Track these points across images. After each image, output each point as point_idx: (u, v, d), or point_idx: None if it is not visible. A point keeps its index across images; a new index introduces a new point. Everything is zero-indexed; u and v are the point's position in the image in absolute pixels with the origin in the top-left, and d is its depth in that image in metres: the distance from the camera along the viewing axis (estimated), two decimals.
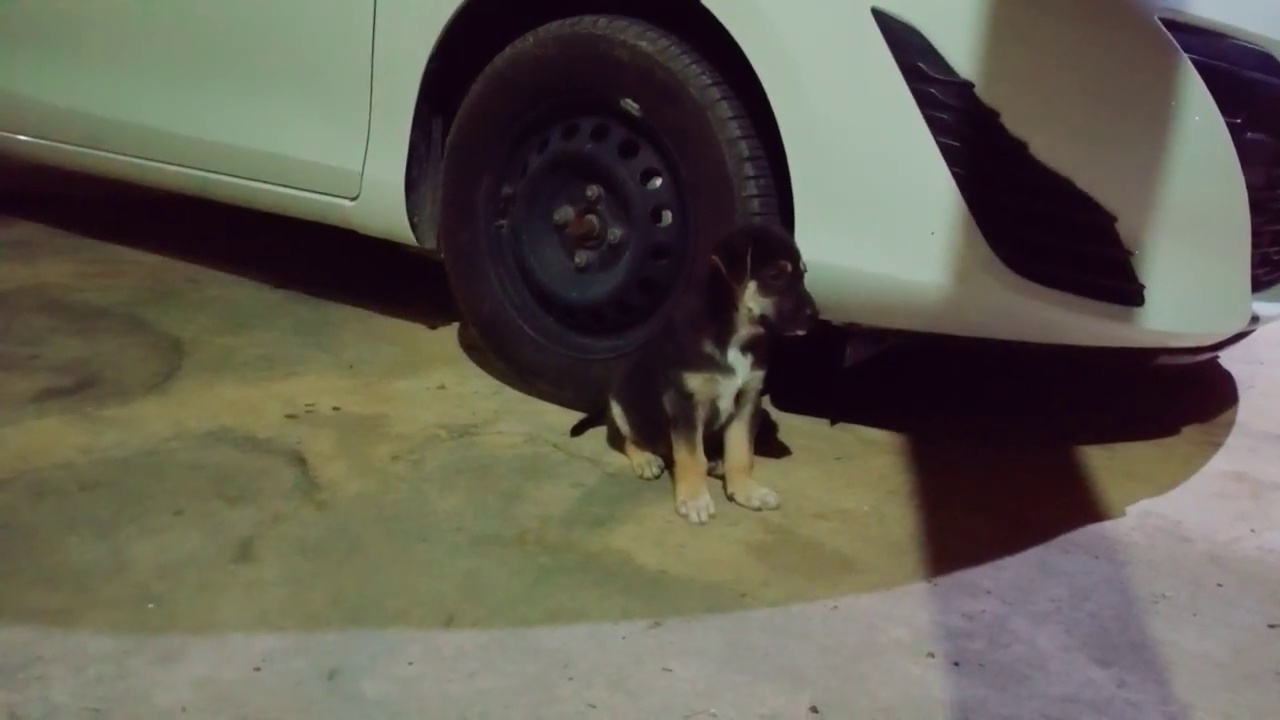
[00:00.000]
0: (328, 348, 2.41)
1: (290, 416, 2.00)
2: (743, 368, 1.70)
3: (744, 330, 1.68)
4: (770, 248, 1.64)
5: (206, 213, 3.12)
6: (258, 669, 1.25)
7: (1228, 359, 2.75)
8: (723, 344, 1.69)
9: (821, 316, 1.68)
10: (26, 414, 1.93)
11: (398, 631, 1.34)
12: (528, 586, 1.47)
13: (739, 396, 1.73)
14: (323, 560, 1.50)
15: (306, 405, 2.05)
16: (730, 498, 1.76)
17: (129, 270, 2.95)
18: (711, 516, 1.69)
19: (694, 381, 1.70)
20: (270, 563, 1.48)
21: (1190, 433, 2.23)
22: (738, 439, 1.76)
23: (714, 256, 1.66)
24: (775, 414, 2.12)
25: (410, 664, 1.28)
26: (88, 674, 1.22)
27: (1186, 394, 2.51)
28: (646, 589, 1.48)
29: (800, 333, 1.65)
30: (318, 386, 2.16)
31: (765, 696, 1.26)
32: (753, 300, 1.64)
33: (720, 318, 1.68)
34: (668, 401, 1.72)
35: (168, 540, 1.53)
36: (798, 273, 1.65)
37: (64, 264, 2.96)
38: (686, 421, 1.71)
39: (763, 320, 1.65)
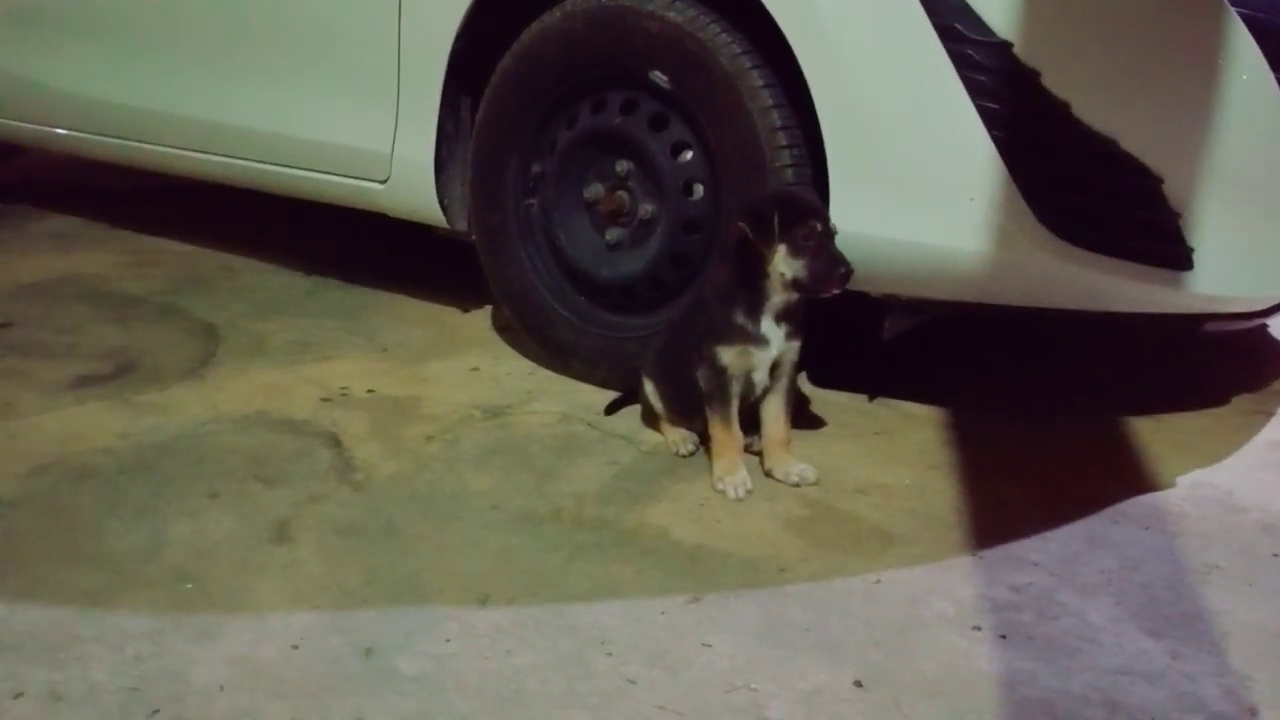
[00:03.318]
0: (361, 332, 2.41)
1: (325, 399, 2.00)
2: (777, 338, 1.67)
3: (777, 297, 1.65)
4: (797, 209, 1.61)
5: (239, 202, 3.13)
6: (295, 647, 1.25)
7: (1278, 326, 2.68)
8: (755, 314, 1.66)
9: (859, 288, 1.64)
10: (66, 400, 1.95)
11: (434, 609, 1.34)
12: (563, 563, 1.45)
13: (774, 369, 1.70)
14: (358, 540, 1.50)
15: (341, 388, 2.05)
16: (768, 473, 1.73)
17: (164, 260, 2.96)
18: (749, 492, 1.66)
19: (727, 355, 1.67)
20: (306, 543, 1.48)
21: (1240, 402, 2.17)
22: (774, 413, 1.73)
23: (740, 223, 1.63)
24: (812, 389, 2.09)
25: (446, 641, 1.27)
26: (126, 653, 1.23)
27: (1236, 362, 2.45)
28: (684, 565, 1.46)
29: (835, 291, 1.61)
30: (351, 370, 2.16)
31: (807, 671, 1.23)
32: (784, 264, 1.61)
33: (751, 286, 1.65)
34: (701, 376, 1.70)
35: (205, 522, 1.53)
36: (828, 231, 1.61)
37: (101, 254, 2.99)
38: (721, 396, 1.69)
39: (795, 283, 1.62)
